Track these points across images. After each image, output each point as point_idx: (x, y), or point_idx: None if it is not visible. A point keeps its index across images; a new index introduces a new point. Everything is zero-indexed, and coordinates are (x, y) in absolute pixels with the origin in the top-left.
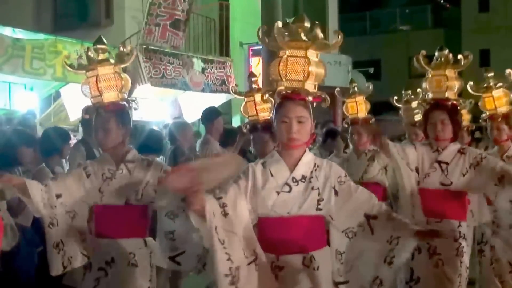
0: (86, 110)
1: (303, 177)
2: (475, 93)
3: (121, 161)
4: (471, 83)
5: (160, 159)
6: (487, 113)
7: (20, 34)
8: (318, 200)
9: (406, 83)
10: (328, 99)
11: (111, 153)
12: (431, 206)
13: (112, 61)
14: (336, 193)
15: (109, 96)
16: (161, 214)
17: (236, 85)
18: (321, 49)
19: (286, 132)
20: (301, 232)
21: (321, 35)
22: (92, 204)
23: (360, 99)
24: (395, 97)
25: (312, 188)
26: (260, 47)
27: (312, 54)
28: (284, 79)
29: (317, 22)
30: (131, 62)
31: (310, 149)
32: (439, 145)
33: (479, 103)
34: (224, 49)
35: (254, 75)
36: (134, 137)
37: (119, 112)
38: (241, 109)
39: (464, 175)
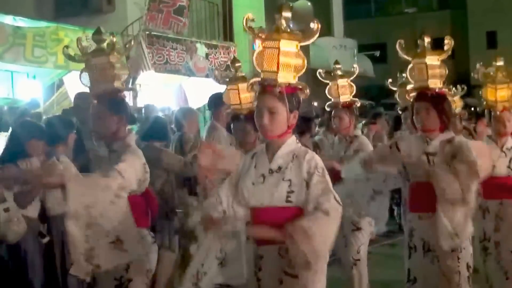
0: (78, 97)
1: (279, 168)
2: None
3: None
4: (479, 65)
5: (164, 145)
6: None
7: (21, 22)
8: (288, 192)
9: None
10: (307, 89)
11: (106, 142)
12: (420, 200)
13: (109, 51)
14: (308, 185)
15: (118, 84)
16: None
17: (222, 70)
18: (294, 40)
19: (257, 122)
20: (275, 223)
21: (289, 27)
22: None
23: (342, 82)
24: (390, 80)
25: (283, 179)
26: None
27: (288, 44)
28: (260, 70)
29: (308, 4)
30: (129, 52)
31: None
32: (428, 136)
33: (481, 91)
34: (228, 34)
35: (238, 61)
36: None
37: (113, 100)
38: (224, 97)
39: (448, 165)
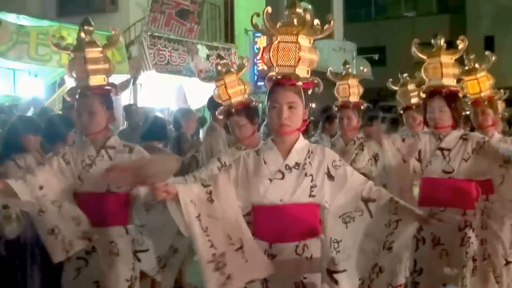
0: (70, 93)
1: (297, 164)
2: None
3: (102, 147)
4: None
5: (163, 145)
6: (470, 98)
7: (24, 20)
8: (311, 187)
9: (413, 68)
10: (321, 84)
11: (92, 139)
12: (435, 194)
13: (100, 44)
14: (331, 177)
15: (96, 79)
16: (138, 204)
17: (206, 71)
18: (312, 34)
19: (277, 118)
20: (294, 220)
21: (311, 20)
22: (72, 191)
23: (353, 82)
24: (390, 80)
25: (306, 175)
26: None
27: (304, 40)
28: (275, 65)
29: (309, 7)
30: (117, 46)
31: (312, 135)
32: (441, 133)
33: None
34: (229, 35)
35: (222, 58)
36: (138, 123)
37: (105, 96)
38: (214, 96)
39: (466, 161)
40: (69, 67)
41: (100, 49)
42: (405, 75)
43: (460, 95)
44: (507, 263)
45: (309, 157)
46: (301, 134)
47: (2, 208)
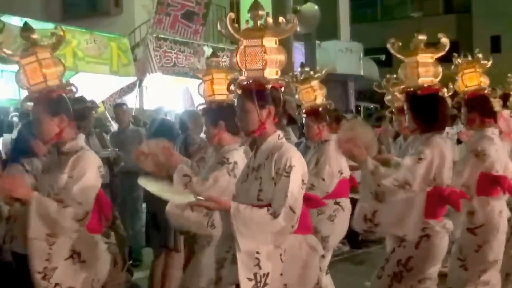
0: (27, 100)
1: (259, 166)
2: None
3: (61, 154)
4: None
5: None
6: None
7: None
8: (259, 190)
9: None
10: (290, 83)
11: (54, 146)
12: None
13: (48, 44)
14: (275, 184)
15: (53, 83)
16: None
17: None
18: (277, 34)
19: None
20: None
21: (275, 21)
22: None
23: (316, 83)
24: (375, 84)
25: (256, 178)
26: None
27: (269, 41)
28: (244, 70)
29: (316, 8)
30: (61, 45)
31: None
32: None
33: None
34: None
35: (217, 56)
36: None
37: (50, 101)
38: (198, 91)
39: None
40: (19, 74)
41: (34, 54)
42: (388, 75)
43: (445, 94)
44: None
45: (267, 159)
46: (276, 135)
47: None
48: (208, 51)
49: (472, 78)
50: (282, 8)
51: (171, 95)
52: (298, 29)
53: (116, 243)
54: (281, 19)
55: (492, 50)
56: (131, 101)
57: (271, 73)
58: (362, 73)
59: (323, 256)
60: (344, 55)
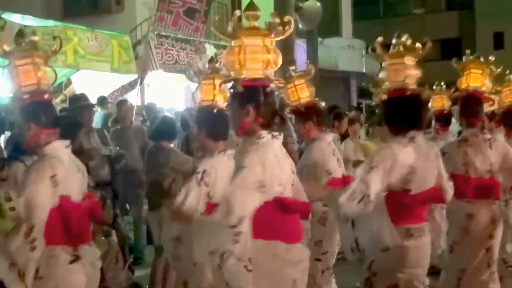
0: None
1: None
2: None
3: None
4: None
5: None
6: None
7: (29, 21)
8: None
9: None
10: (283, 83)
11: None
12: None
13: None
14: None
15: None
16: None
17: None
18: (260, 35)
19: None
20: None
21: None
22: None
23: (301, 82)
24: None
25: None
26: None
27: (269, 42)
28: (243, 69)
29: (318, 4)
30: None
31: None
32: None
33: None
34: None
35: (214, 60)
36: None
37: (22, 108)
38: (194, 95)
39: None
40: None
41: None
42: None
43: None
44: None
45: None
46: (260, 135)
47: (9, 211)
48: (209, 48)
49: (476, 79)
50: (284, 5)
51: (173, 92)
52: (300, 26)
53: (117, 241)
54: (275, 18)
55: (495, 46)
56: (133, 98)
57: (253, 73)
58: (364, 70)
59: (319, 260)
60: (346, 52)
